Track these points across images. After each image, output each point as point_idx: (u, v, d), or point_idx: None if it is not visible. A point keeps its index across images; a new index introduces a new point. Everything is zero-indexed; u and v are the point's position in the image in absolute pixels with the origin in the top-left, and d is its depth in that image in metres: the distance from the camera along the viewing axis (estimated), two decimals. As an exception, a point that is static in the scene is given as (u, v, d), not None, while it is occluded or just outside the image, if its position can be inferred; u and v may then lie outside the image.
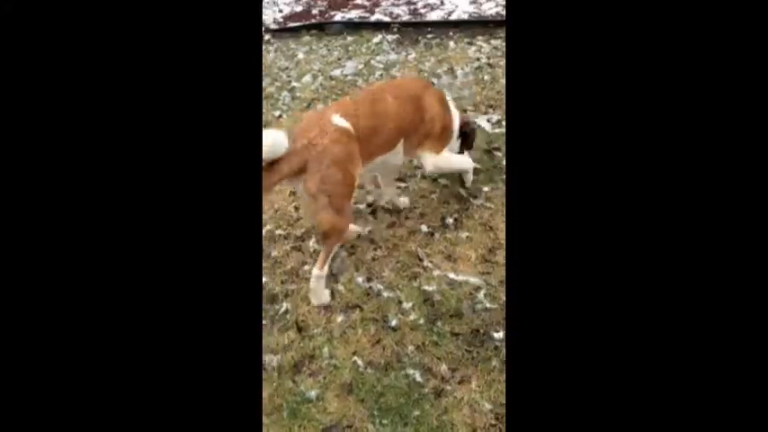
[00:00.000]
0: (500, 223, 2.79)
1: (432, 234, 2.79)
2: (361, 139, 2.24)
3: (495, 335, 2.20)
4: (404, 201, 2.96)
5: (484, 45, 5.19)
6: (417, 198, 3.09)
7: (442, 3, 6.19)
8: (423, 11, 6.08)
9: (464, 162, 2.85)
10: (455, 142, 2.76)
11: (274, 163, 2.08)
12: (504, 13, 5.96)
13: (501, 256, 2.58)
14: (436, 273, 2.54)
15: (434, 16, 5.89)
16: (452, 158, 2.74)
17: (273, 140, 2.03)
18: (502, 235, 2.70)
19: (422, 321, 2.32)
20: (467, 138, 2.81)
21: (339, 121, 2.21)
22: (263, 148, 1.98)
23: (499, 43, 5.21)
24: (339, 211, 2.20)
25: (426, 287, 2.47)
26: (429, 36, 5.51)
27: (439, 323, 2.30)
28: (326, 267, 2.36)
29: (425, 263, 2.61)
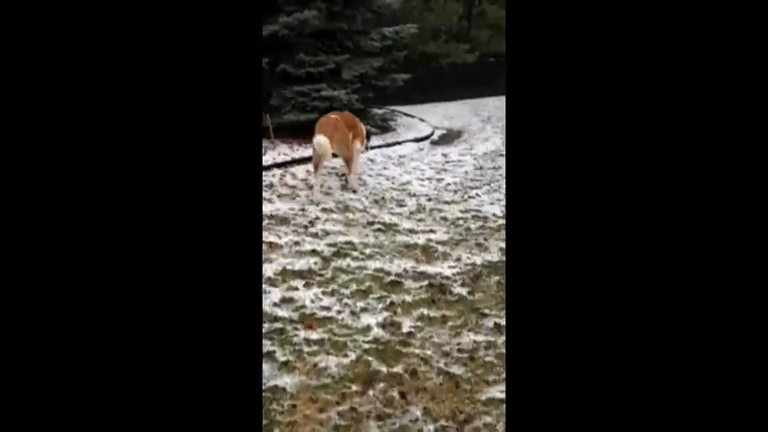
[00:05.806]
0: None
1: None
2: (344, 124, 5.58)
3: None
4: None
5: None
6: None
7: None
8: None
9: (359, 163, 6.35)
10: (365, 140, 6.40)
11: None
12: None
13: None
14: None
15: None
16: (359, 156, 6.25)
17: (319, 140, 5.12)
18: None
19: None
20: (368, 138, 6.48)
21: (335, 115, 5.71)
22: (317, 148, 5.15)
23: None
24: (347, 148, 5.54)
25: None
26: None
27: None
28: (356, 168, 5.86)
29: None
